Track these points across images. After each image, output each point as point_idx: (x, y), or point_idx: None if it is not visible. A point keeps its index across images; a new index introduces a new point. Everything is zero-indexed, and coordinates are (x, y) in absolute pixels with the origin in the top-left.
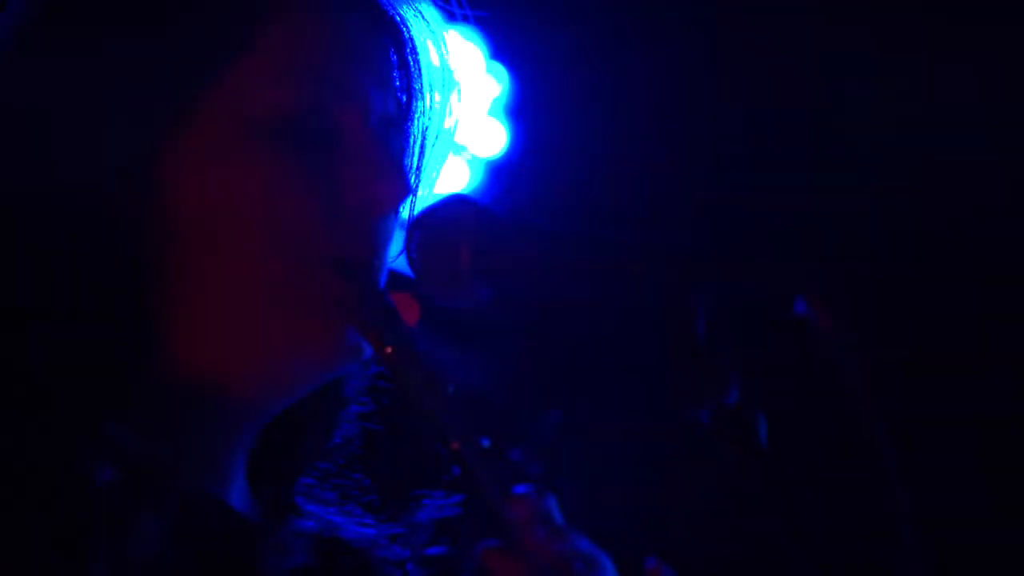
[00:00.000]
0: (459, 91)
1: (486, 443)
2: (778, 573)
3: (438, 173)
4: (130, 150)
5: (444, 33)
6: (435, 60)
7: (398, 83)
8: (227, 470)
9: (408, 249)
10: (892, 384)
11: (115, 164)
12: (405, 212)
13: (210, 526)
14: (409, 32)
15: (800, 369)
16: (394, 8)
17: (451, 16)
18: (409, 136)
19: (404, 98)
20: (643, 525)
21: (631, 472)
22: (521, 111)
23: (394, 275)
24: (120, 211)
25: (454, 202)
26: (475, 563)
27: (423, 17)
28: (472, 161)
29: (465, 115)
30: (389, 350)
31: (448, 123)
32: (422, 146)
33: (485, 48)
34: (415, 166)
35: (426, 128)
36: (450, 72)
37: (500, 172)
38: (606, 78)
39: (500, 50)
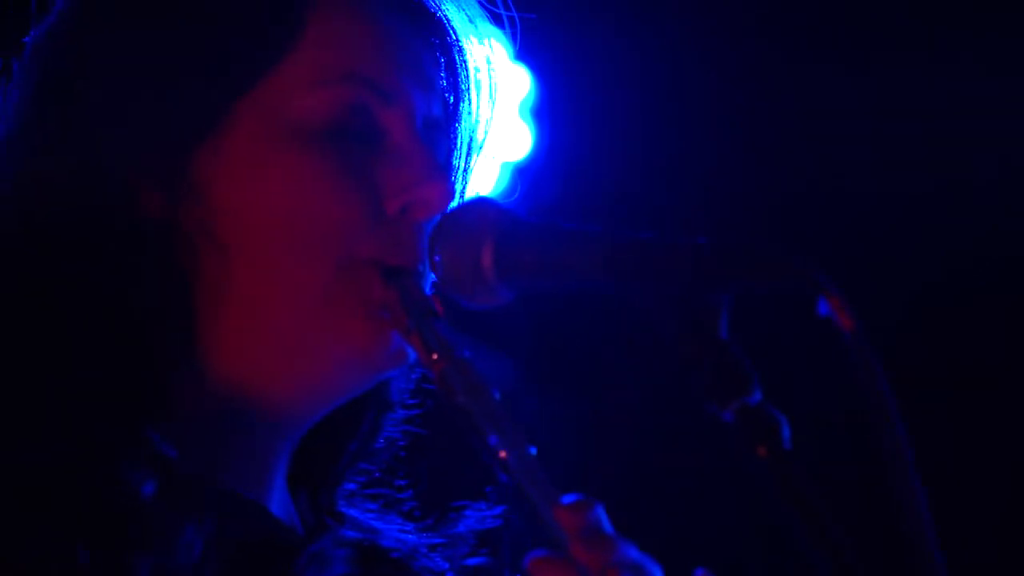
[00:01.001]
0: (500, 97)
1: (533, 451)
2: (799, 573)
3: (475, 181)
4: (169, 155)
5: (489, 34)
6: (481, 61)
7: (445, 83)
8: (269, 476)
9: (431, 252)
10: (912, 385)
11: (154, 169)
12: None
13: (251, 536)
14: (455, 33)
15: (822, 369)
16: (439, 8)
17: (494, 17)
18: (455, 138)
19: (451, 98)
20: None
21: (655, 473)
22: (545, 113)
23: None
24: (159, 217)
25: (477, 204)
26: (523, 573)
27: (469, 18)
28: (496, 163)
29: (496, 120)
30: (435, 356)
31: (493, 126)
32: (468, 149)
33: (510, 49)
34: (461, 169)
35: (472, 130)
36: (495, 73)
37: (524, 174)
38: (630, 79)
39: (524, 51)
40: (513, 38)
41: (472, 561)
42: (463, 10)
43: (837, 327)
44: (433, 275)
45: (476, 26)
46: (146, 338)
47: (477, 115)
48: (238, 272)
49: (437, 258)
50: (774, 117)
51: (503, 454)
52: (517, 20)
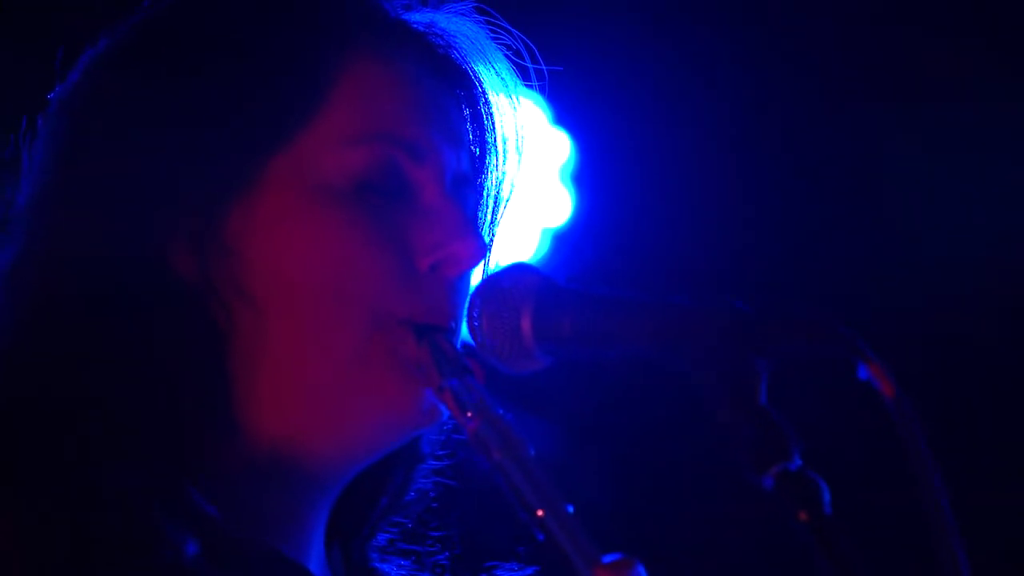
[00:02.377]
0: (528, 151)
1: (571, 509)
2: None
3: (504, 236)
4: (200, 215)
5: (515, 90)
6: (507, 114)
7: (471, 136)
8: (307, 532)
9: (471, 317)
10: (953, 449)
11: (185, 230)
12: (476, 273)
13: None
14: (481, 85)
15: (863, 434)
16: (466, 61)
17: (522, 73)
18: (483, 192)
19: (477, 151)
20: None
21: (695, 534)
22: (585, 178)
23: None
24: (192, 277)
25: (516, 270)
26: None
27: (495, 71)
28: (535, 229)
29: (530, 182)
30: (468, 413)
31: (520, 180)
32: (495, 202)
33: (549, 113)
34: (489, 223)
35: (500, 182)
36: (521, 127)
37: (563, 240)
38: (670, 145)
39: (563, 116)
40: (547, 95)
41: None
42: (490, 64)
43: (878, 392)
44: (473, 340)
45: (503, 79)
46: (182, 398)
47: (504, 167)
48: (271, 331)
49: (476, 323)
50: (817, 185)
51: (540, 512)
52: (545, 73)
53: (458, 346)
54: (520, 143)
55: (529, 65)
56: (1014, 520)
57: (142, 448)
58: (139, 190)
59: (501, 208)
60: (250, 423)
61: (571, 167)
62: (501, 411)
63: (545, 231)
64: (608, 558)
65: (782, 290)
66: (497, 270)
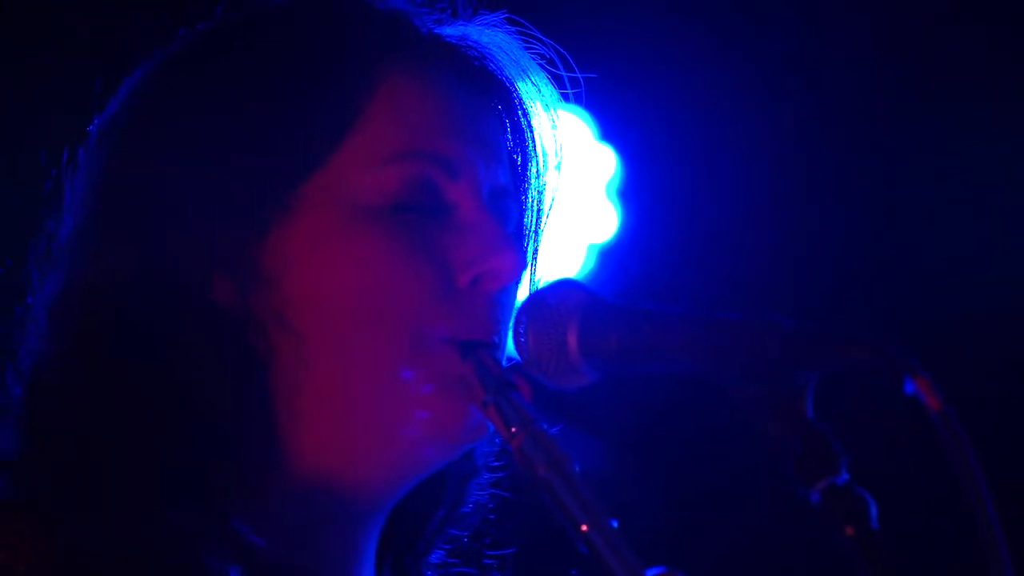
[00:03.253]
0: (569, 161)
1: (615, 524)
2: None
3: (548, 248)
4: (238, 243)
5: (552, 99)
6: (546, 124)
7: (510, 148)
8: (356, 555)
9: (517, 333)
10: (1000, 463)
11: (224, 258)
12: (522, 284)
13: None
14: (518, 96)
15: (909, 449)
16: (502, 71)
17: (557, 81)
18: (524, 203)
19: (519, 160)
20: None
21: (741, 548)
22: (631, 194)
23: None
24: (232, 306)
25: (562, 286)
26: None
27: (531, 80)
28: (581, 244)
29: (576, 197)
30: (513, 429)
31: (561, 190)
32: (537, 214)
33: (595, 129)
34: (531, 233)
35: (540, 193)
36: (561, 137)
37: (610, 255)
38: (716, 160)
39: (609, 131)
40: (592, 110)
41: None
42: (526, 75)
43: (925, 406)
44: (519, 355)
45: (540, 90)
46: (225, 427)
47: (544, 177)
48: (313, 356)
49: (523, 340)
50: (863, 199)
51: (584, 527)
52: (581, 80)
53: (502, 361)
54: (560, 153)
55: (563, 73)
56: None
57: (185, 479)
58: (177, 220)
59: (543, 219)
60: (295, 448)
61: (617, 182)
62: (545, 426)
63: (591, 247)
64: (651, 572)
65: (830, 305)
66: (543, 286)
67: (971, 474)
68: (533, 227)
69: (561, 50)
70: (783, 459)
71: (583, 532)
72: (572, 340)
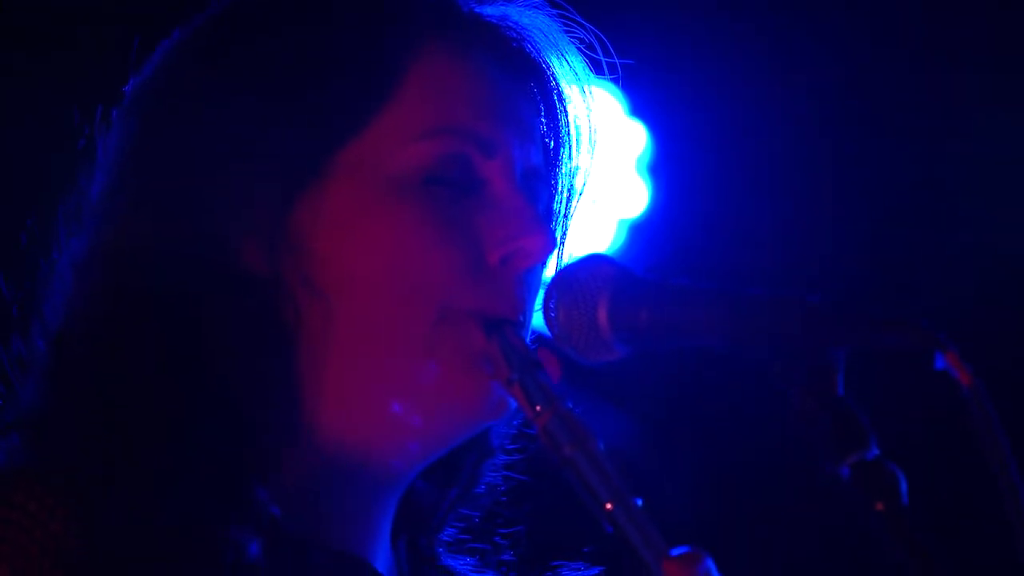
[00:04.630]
0: (602, 145)
1: (640, 503)
2: None
3: (578, 229)
4: (269, 209)
5: (589, 82)
6: (581, 108)
7: (544, 129)
8: (374, 528)
9: (547, 308)
10: None
11: (255, 223)
12: (549, 266)
13: None
14: (555, 78)
15: (940, 424)
16: (540, 54)
17: (595, 66)
18: (555, 185)
19: (551, 144)
20: None
21: (769, 526)
22: (661, 169)
23: (535, 333)
24: (261, 272)
25: (593, 261)
26: None
27: (569, 64)
28: (612, 220)
29: (606, 173)
30: (537, 408)
31: (593, 173)
32: (568, 197)
33: (625, 104)
34: (561, 217)
35: (573, 176)
36: (595, 121)
37: (640, 231)
38: (746, 136)
39: (640, 107)
40: (622, 87)
41: None
42: (564, 58)
43: (954, 382)
44: (549, 331)
45: (576, 72)
46: (250, 395)
47: (577, 161)
48: (339, 326)
49: (552, 314)
50: (893, 175)
51: (609, 506)
52: (619, 66)
53: (527, 340)
54: (594, 136)
55: (602, 59)
56: None
57: (208, 446)
58: (210, 184)
59: (574, 202)
60: (317, 419)
61: (647, 158)
62: (570, 405)
63: (622, 222)
64: (676, 551)
65: (861, 281)
66: (573, 261)
67: (1000, 449)
68: (563, 210)
69: (601, 35)
70: (813, 435)
71: (608, 511)
72: (602, 315)
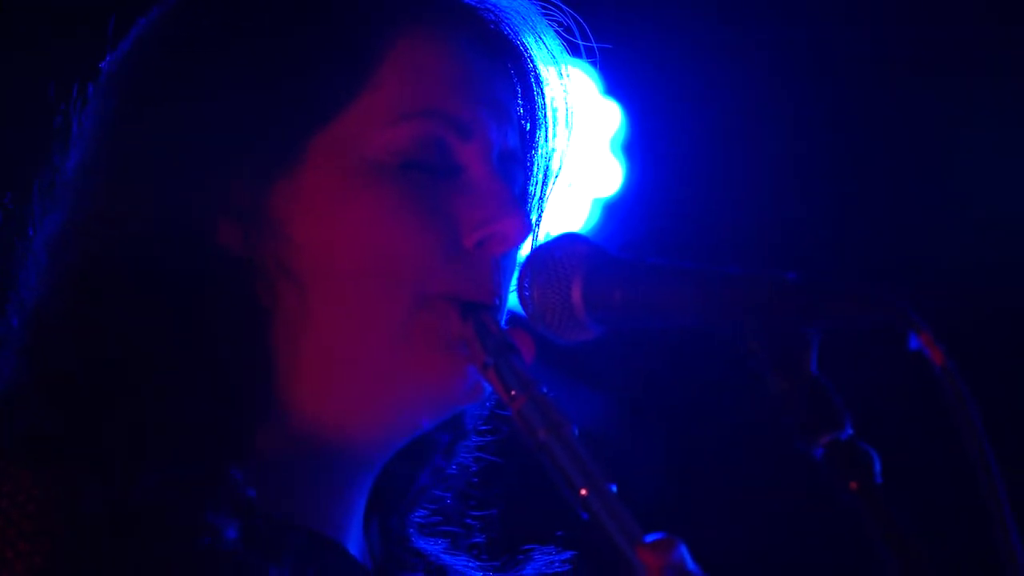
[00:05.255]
0: (579, 127)
1: (614, 489)
2: None
3: (554, 211)
4: (246, 190)
5: (565, 63)
6: (558, 90)
7: (521, 112)
8: (347, 510)
9: (521, 287)
10: (1004, 418)
11: (231, 204)
12: (526, 248)
13: None
14: (532, 61)
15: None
16: (517, 36)
17: (571, 47)
18: (532, 168)
19: (528, 126)
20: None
21: (742, 508)
22: (636, 148)
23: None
24: (237, 253)
25: (567, 240)
26: None
27: (546, 46)
28: (586, 199)
29: (580, 152)
30: (512, 392)
31: (569, 156)
32: (544, 179)
33: (600, 84)
34: (537, 199)
35: (549, 158)
36: (572, 103)
37: (614, 210)
38: (720, 115)
39: (615, 86)
40: (602, 71)
41: None
42: (541, 40)
43: (928, 361)
44: (523, 310)
45: (554, 55)
46: (224, 376)
47: (554, 143)
48: (314, 308)
49: (527, 293)
50: (867, 154)
51: (583, 491)
52: (603, 52)
53: (503, 324)
54: (571, 119)
55: (580, 42)
56: None
57: (182, 427)
58: (186, 163)
59: (551, 184)
60: (291, 401)
61: (622, 137)
62: (545, 389)
63: (596, 201)
64: (651, 537)
65: (834, 260)
66: (548, 240)
67: (973, 429)
68: (539, 193)
69: (577, 17)
70: (787, 415)
71: (582, 497)
72: (576, 294)
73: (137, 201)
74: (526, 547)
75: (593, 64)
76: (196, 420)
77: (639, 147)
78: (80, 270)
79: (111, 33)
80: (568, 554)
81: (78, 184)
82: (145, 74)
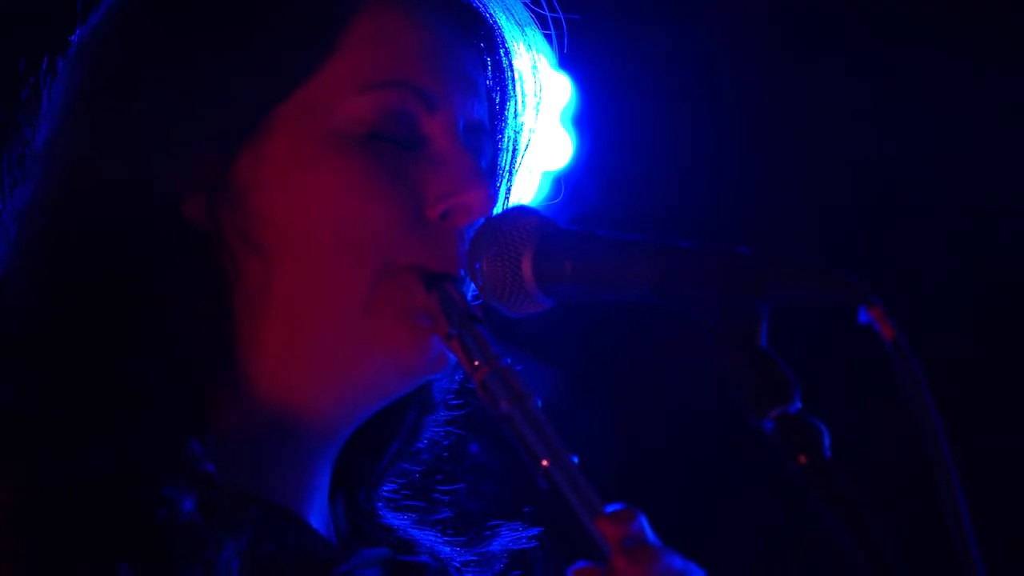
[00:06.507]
0: (546, 100)
1: (576, 460)
2: None
3: (521, 184)
4: (210, 160)
5: (534, 37)
6: (527, 65)
7: (490, 84)
8: (309, 484)
9: (471, 260)
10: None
11: (196, 174)
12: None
13: (284, 552)
14: (502, 34)
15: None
16: (486, 8)
17: (538, 20)
18: (500, 141)
19: (497, 99)
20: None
21: (699, 480)
22: (586, 121)
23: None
24: (201, 223)
25: (517, 213)
26: None
27: (516, 21)
28: (537, 172)
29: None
30: (476, 363)
31: (537, 130)
32: (512, 151)
33: (552, 56)
34: (506, 172)
35: (517, 132)
36: (540, 77)
37: (564, 183)
38: (671, 88)
39: (566, 59)
40: (556, 43)
41: None
42: (510, 13)
43: (878, 335)
44: (474, 283)
45: (523, 30)
46: (186, 346)
47: (522, 117)
48: (278, 278)
49: (477, 265)
50: (820, 127)
51: (545, 462)
52: (563, 21)
53: (468, 295)
54: (539, 92)
55: (547, 14)
56: (1013, 462)
57: (140, 400)
58: (152, 135)
59: (518, 159)
60: (254, 373)
61: (572, 110)
62: (509, 361)
63: (545, 174)
64: (611, 508)
65: (784, 234)
66: (497, 213)
67: (924, 402)
68: (507, 166)
69: None
70: (737, 388)
71: (544, 467)
72: (526, 266)
73: (101, 174)
74: (492, 523)
75: (545, 36)
76: (155, 393)
77: (589, 120)
78: (44, 243)
79: (80, 7)
80: (535, 530)
81: (46, 157)
82: (110, 46)
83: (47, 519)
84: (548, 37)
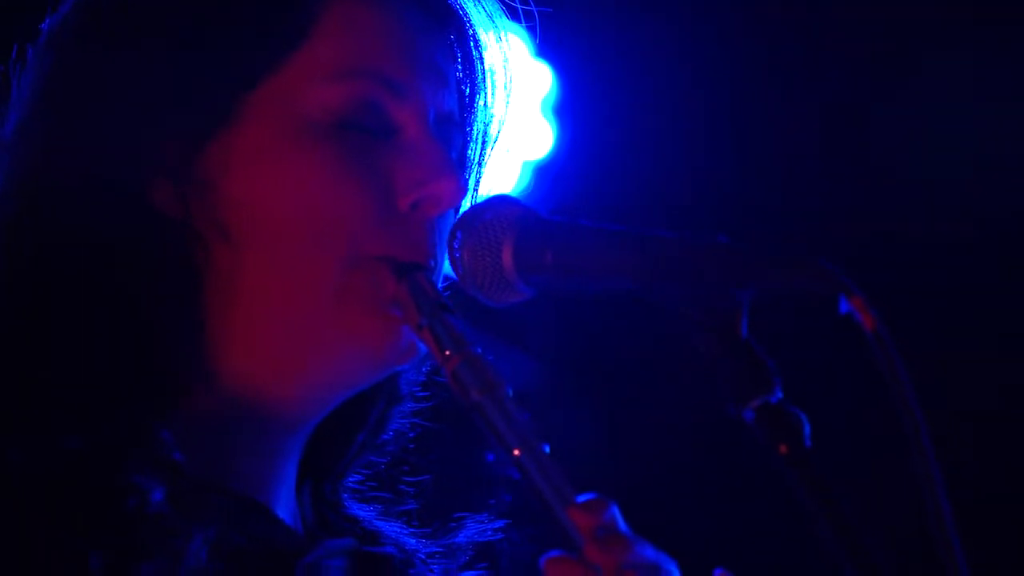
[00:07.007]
0: (516, 91)
1: (547, 449)
2: (821, 571)
3: (491, 175)
4: (179, 149)
5: (504, 27)
6: (497, 55)
7: (460, 75)
8: (277, 473)
9: (452, 248)
10: (933, 382)
11: (164, 163)
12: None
13: (251, 542)
14: (472, 26)
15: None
16: (457, 1)
17: (512, 12)
18: (470, 132)
19: (467, 90)
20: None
21: (674, 471)
22: (567, 111)
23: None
24: (170, 212)
25: (498, 202)
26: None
27: (487, 11)
28: (516, 161)
29: (512, 115)
30: (447, 352)
31: (509, 120)
32: (483, 142)
33: (531, 45)
34: (475, 163)
35: (487, 123)
36: (511, 68)
37: (545, 172)
38: (652, 77)
39: (546, 48)
40: (534, 33)
41: (468, 574)
42: (481, 6)
43: (858, 325)
44: (454, 272)
45: (494, 20)
46: (154, 334)
47: (492, 109)
48: (248, 268)
49: (458, 255)
50: (799, 118)
51: (516, 452)
52: (535, 14)
53: (439, 285)
54: (509, 84)
55: (519, 6)
56: (991, 450)
57: (112, 387)
58: (121, 123)
59: (488, 150)
60: (223, 362)
61: (553, 100)
62: (480, 350)
63: (526, 164)
64: (582, 498)
65: (765, 224)
66: (478, 202)
67: (904, 394)
68: (477, 158)
69: None
70: (718, 378)
71: (515, 457)
72: (507, 255)
73: (74, 161)
74: (458, 515)
75: (524, 26)
76: (123, 380)
77: (570, 109)
78: (16, 229)
79: None
80: (501, 522)
81: (16, 145)
82: (82, 34)
83: (16, 506)
84: (528, 27)
